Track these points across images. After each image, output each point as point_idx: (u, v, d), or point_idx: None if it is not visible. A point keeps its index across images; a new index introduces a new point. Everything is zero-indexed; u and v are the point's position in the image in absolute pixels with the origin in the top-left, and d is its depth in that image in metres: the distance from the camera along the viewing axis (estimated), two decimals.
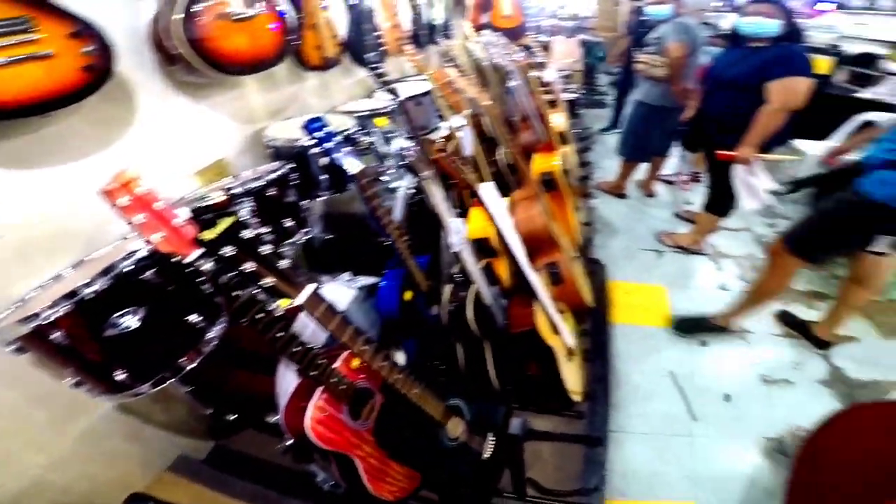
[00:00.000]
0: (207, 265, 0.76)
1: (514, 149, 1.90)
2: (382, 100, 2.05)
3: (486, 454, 1.27)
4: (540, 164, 2.04)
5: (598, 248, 2.94)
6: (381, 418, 1.08)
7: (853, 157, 1.92)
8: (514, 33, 4.72)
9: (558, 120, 2.68)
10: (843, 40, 5.16)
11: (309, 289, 0.88)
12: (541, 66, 3.54)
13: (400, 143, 1.29)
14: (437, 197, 1.31)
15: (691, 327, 2.28)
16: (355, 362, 1.04)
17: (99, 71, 1.12)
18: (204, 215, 1.19)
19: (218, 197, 1.22)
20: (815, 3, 6.04)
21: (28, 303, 1.00)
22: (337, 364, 0.99)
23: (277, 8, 1.55)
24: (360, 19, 2.21)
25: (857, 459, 0.96)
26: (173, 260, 0.74)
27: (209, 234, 0.82)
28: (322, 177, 1.55)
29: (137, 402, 1.28)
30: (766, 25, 2.15)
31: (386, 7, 2.63)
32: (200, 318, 1.04)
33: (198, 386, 1.32)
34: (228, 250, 0.85)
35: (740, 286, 2.58)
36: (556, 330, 1.62)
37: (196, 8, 1.34)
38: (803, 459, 1.06)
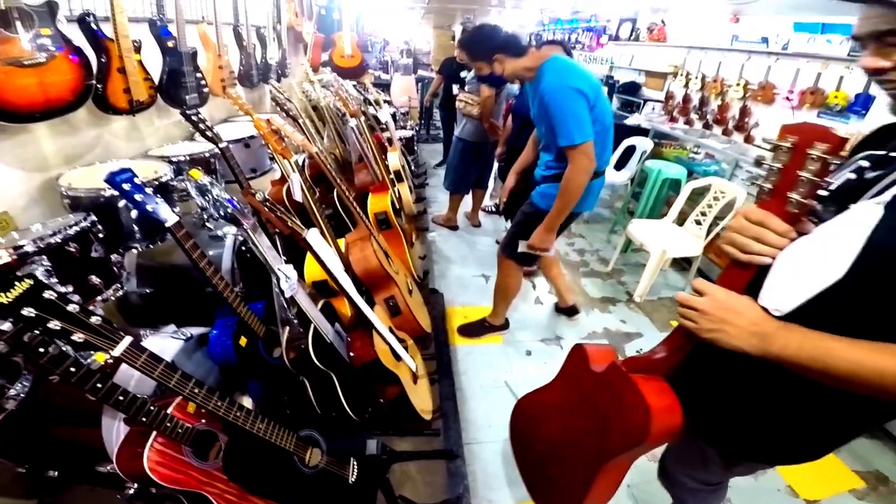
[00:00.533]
0: (3, 326, 0.76)
1: (348, 190, 2.02)
2: (204, 143, 2.00)
3: (352, 478, 1.36)
4: (374, 204, 2.20)
5: (437, 277, 3.19)
6: (227, 456, 1.11)
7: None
8: (354, 72, 4.93)
9: (393, 159, 2.90)
10: (616, 70, 6.02)
11: (126, 341, 0.91)
12: (376, 104, 3.77)
13: (217, 193, 1.30)
14: (263, 246, 1.35)
15: (473, 330, 2.64)
16: (191, 406, 1.06)
17: None
18: None
19: (4, 256, 1.12)
20: (599, 37, 7.30)
21: None
22: (170, 409, 1.01)
23: (73, 50, 1.47)
24: (179, 60, 2.13)
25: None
26: None
27: (2, 299, 0.77)
28: (134, 227, 1.48)
29: None
30: None
31: (209, 48, 2.56)
32: None
33: (3, 442, 1.23)
34: (28, 312, 0.81)
35: (550, 298, 3.06)
36: (398, 357, 1.76)
37: None
38: (511, 423, 1.52)
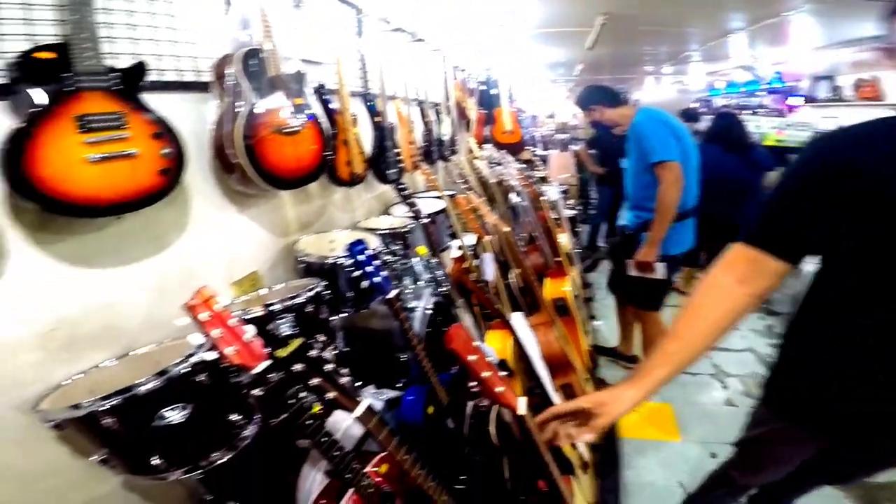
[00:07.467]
0: (273, 376, 0.91)
1: (527, 273, 2.19)
2: (400, 217, 2.34)
3: None
4: (552, 289, 2.34)
5: (602, 367, 3.21)
6: None
7: None
8: (514, 148, 5.30)
9: (564, 240, 3.05)
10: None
11: (364, 403, 1.07)
12: (543, 181, 4.00)
13: (436, 271, 1.53)
14: (466, 323, 1.55)
15: (605, 352, 3.30)
16: (383, 468, 1.19)
17: (172, 175, 1.19)
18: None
19: (258, 311, 1.36)
20: (786, 98, 6.74)
21: (67, 388, 1.11)
22: (368, 468, 1.13)
23: (317, 121, 1.71)
24: (383, 136, 2.45)
25: None
26: (239, 371, 0.90)
27: (282, 353, 0.98)
28: (347, 294, 1.78)
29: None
30: None
31: (403, 124, 2.87)
32: (240, 416, 1.18)
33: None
34: (298, 367, 1.00)
35: (744, 401, 2.86)
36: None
37: (256, 120, 1.48)
38: None
